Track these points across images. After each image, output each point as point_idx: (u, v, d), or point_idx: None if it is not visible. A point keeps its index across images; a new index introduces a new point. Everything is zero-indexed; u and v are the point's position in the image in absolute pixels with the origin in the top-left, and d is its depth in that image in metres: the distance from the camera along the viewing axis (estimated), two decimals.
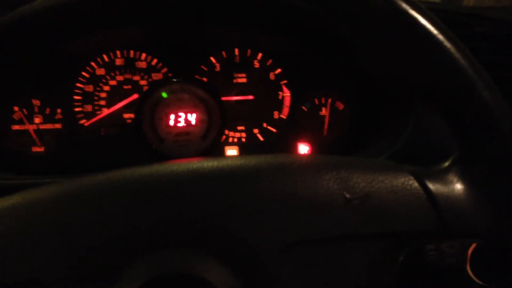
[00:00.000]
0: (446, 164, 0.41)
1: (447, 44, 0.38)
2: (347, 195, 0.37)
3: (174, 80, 0.70)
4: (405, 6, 0.39)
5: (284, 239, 0.36)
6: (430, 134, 0.59)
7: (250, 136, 0.85)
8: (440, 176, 0.40)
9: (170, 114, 0.70)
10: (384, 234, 0.38)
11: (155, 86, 0.69)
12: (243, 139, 0.85)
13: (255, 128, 0.85)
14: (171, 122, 0.71)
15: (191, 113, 0.71)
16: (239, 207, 0.36)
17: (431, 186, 0.39)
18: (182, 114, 0.71)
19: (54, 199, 0.36)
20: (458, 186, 0.39)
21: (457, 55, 0.38)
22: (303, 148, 0.86)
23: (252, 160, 0.38)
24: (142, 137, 0.70)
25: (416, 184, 0.39)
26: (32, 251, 0.33)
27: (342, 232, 0.37)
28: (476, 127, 0.39)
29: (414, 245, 0.42)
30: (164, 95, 0.70)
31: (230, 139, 0.84)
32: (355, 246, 0.38)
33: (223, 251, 0.35)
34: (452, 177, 0.40)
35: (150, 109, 0.68)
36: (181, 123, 0.71)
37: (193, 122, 0.71)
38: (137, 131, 0.72)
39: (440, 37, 0.38)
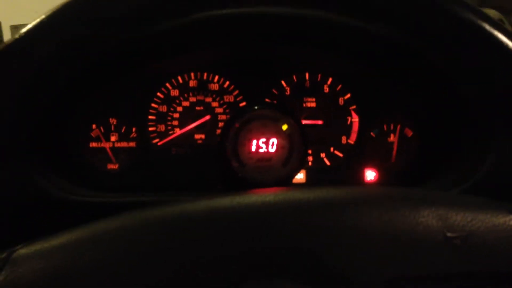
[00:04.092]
0: None
1: None
2: (448, 234, 0.36)
3: (256, 107, 0.71)
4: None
5: (385, 274, 0.35)
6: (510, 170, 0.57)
7: (317, 160, 0.85)
8: None
9: (252, 140, 0.71)
10: (486, 275, 0.37)
11: (239, 113, 0.71)
12: (310, 163, 0.85)
13: (322, 152, 0.85)
14: (253, 148, 0.72)
15: (273, 139, 0.72)
16: (340, 240, 0.36)
17: None
18: (263, 140, 0.72)
19: (154, 224, 0.37)
20: None
21: None
22: (370, 174, 0.85)
23: (350, 192, 0.39)
24: (227, 163, 0.71)
25: None
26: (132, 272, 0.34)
27: (443, 271, 0.36)
28: None
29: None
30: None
31: None
32: (455, 285, 0.38)
33: (323, 285, 0.35)
34: None
35: (234, 135, 0.70)
36: (263, 149, 0.72)
37: (274, 148, 0.72)
38: (221, 157, 0.73)
39: None
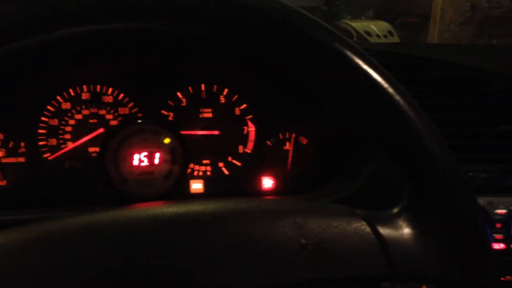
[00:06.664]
0: (396, 209, 0.43)
1: (396, 97, 0.41)
2: (303, 241, 0.39)
3: (139, 121, 0.71)
4: (357, 60, 0.41)
5: (243, 285, 0.37)
6: (385, 178, 0.61)
7: (215, 170, 0.86)
8: (391, 221, 0.42)
9: (133, 154, 0.71)
10: (338, 279, 0.39)
11: (119, 127, 0.70)
12: (208, 173, 0.86)
13: (220, 162, 0.87)
14: (135, 162, 0.72)
15: (154, 152, 0.72)
16: (196, 253, 0.37)
17: (382, 231, 0.41)
18: (145, 154, 0.72)
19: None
20: (407, 231, 0.41)
21: (406, 108, 0.41)
22: (267, 182, 0.88)
23: (210, 206, 0.40)
24: (106, 177, 0.70)
25: (368, 229, 0.40)
26: None
27: (298, 278, 0.38)
28: (422, 176, 0.41)
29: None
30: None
31: (195, 173, 0.85)
32: None
33: None
34: (401, 222, 0.42)
35: (114, 149, 0.69)
36: (144, 163, 0.71)
37: (157, 161, 0.72)
38: (100, 171, 0.72)
39: (390, 90, 0.41)
